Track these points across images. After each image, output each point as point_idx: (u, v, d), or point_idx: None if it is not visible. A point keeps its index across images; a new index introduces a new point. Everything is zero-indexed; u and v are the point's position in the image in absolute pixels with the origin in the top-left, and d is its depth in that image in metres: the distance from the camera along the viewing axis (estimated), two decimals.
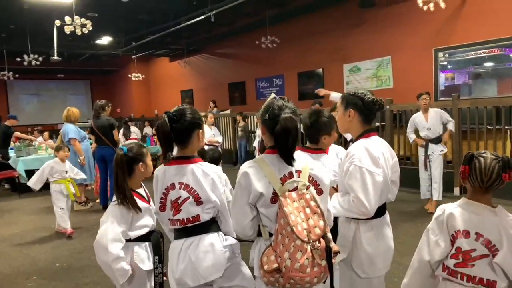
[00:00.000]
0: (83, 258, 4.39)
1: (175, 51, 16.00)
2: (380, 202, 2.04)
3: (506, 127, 6.09)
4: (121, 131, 11.50)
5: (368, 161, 1.95)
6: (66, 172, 5.32)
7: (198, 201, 1.91)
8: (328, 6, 10.45)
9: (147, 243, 2.23)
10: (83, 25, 8.14)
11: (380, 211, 2.06)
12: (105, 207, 5.96)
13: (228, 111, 12.04)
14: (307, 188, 1.72)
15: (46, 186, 8.71)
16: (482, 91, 7.98)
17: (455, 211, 1.69)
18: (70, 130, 6.40)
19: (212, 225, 1.97)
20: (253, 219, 1.75)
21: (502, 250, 1.58)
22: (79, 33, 8.17)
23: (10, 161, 8.30)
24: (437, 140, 5.72)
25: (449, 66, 8.61)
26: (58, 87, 19.39)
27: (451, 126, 5.88)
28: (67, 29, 8.02)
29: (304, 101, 10.81)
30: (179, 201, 1.92)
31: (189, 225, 1.94)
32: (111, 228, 2.11)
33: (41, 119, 17.62)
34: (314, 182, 1.77)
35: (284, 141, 1.68)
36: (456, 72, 8.47)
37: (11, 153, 8.72)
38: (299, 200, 1.68)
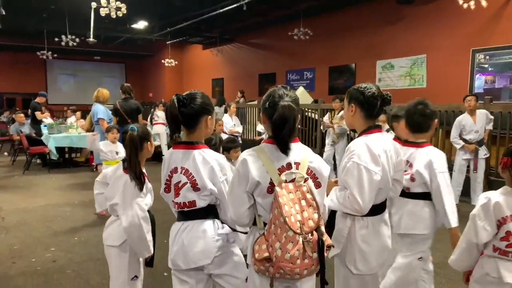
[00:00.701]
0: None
1: (209, 39, 16.08)
2: (379, 200, 2.02)
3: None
4: (150, 115, 11.73)
5: (367, 158, 1.92)
6: (117, 153, 5.21)
7: (195, 187, 1.91)
8: (365, 1, 10.22)
9: None
10: (118, 8, 8.30)
11: (378, 209, 2.03)
12: None
13: (255, 102, 12.04)
14: (305, 180, 1.71)
15: (74, 164, 9.12)
16: None
17: (500, 198, 1.89)
18: (99, 110, 6.55)
19: (208, 212, 1.97)
20: (250, 208, 1.76)
21: None
22: (114, 16, 8.34)
23: (42, 138, 8.64)
24: (482, 143, 5.56)
25: (489, 69, 8.26)
26: (94, 69, 19.92)
27: (490, 125, 5.69)
28: (102, 12, 8.20)
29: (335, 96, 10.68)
30: (179, 185, 1.94)
31: (186, 209, 1.96)
32: (137, 205, 2.24)
33: (77, 99, 18.21)
34: (312, 175, 1.75)
35: (280, 129, 1.66)
36: (497, 75, 8.12)
37: (44, 130, 9.06)
38: (295, 192, 1.66)
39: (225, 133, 6.73)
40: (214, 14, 10.95)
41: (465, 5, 6.69)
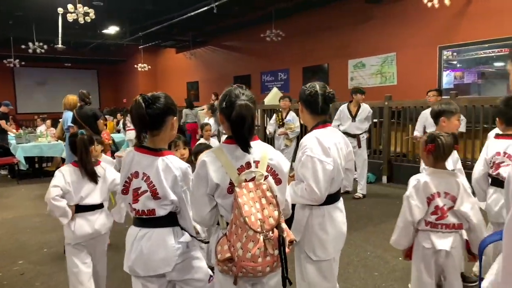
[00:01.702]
0: None
1: (182, 42, 16.00)
2: (333, 189, 2.15)
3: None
4: (122, 121, 11.56)
5: (319, 151, 2.05)
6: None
7: (155, 196, 1.86)
8: (335, 1, 10.34)
9: None
10: (86, 14, 8.15)
11: (332, 198, 2.17)
12: None
13: None
14: (265, 178, 1.71)
15: (44, 174, 8.89)
16: (490, 91, 7.83)
17: (427, 178, 2.24)
18: (69, 117, 6.42)
19: (168, 220, 1.92)
20: (212, 209, 1.75)
21: (459, 200, 2.21)
22: (82, 22, 8.18)
23: (10, 148, 8.39)
24: None
25: (458, 65, 8.47)
26: (65, 76, 19.46)
27: (462, 127, 5.80)
28: (70, 17, 8.04)
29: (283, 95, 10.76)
30: (139, 192, 1.89)
31: (144, 216, 1.91)
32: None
33: (48, 108, 17.75)
34: (272, 172, 1.76)
35: (240, 128, 1.66)
36: (465, 71, 8.33)
37: (11, 140, 8.81)
38: (255, 190, 1.67)
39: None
40: (186, 17, 10.90)
41: (429, 4, 6.84)
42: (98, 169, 2.75)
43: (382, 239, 4.23)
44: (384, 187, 6.93)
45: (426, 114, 5.87)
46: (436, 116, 3.10)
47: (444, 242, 2.23)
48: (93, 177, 2.67)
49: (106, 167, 2.82)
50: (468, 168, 3.66)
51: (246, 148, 1.70)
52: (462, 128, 5.81)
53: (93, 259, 2.79)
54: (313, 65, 11.60)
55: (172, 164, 1.88)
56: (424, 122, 5.85)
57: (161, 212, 1.89)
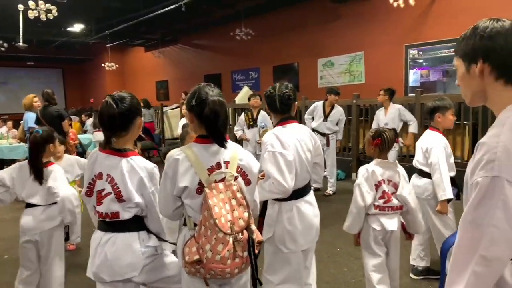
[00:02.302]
0: None
1: (150, 41, 15.72)
2: (300, 183, 2.27)
3: (465, 122, 6.18)
4: (91, 120, 11.27)
5: (278, 145, 2.18)
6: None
7: (119, 199, 1.82)
8: (303, 1, 10.41)
9: None
10: (48, 11, 7.87)
11: (299, 193, 2.28)
12: None
13: None
14: (235, 178, 1.69)
15: None
16: (455, 89, 8.06)
17: (374, 168, 2.55)
18: (29, 118, 6.18)
19: (133, 224, 1.87)
20: (178, 208, 1.75)
21: (400, 186, 2.52)
22: (44, 19, 7.91)
23: None
24: None
25: (424, 63, 8.69)
26: (29, 75, 18.77)
27: (412, 128, 5.91)
28: (31, 14, 7.75)
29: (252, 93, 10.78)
30: (103, 193, 1.84)
31: (107, 220, 1.86)
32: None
33: (10, 108, 17.04)
34: (242, 172, 1.74)
35: (214, 124, 1.65)
36: (431, 69, 8.56)
37: None
38: (225, 192, 1.65)
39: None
40: (154, 15, 10.71)
41: (395, 4, 6.99)
42: (47, 170, 2.71)
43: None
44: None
45: (378, 115, 6.06)
46: (431, 112, 3.16)
47: (392, 223, 2.55)
48: (38, 177, 2.65)
49: (57, 171, 2.74)
50: None
51: (222, 143, 1.68)
52: (413, 129, 5.96)
53: (44, 260, 2.79)
54: (284, 64, 11.64)
55: (137, 164, 1.84)
56: (378, 121, 6.02)
57: (125, 215, 1.83)
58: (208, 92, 1.69)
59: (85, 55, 18.23)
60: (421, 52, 8.65)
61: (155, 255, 1.90)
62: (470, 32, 1.15)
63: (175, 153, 1.69)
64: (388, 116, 5.93)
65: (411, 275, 3.35)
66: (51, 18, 7.90)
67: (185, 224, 1.76)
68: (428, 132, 3.20)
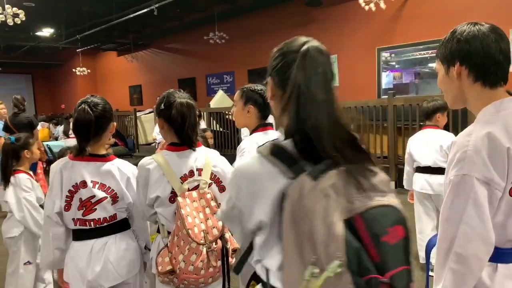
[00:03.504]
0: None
1: (123, 45, 15.46)
2: None
3: None
4: (62, 128, 10.99)
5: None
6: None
7: (115, 200, 1.81)
8: (276, 4, 10.45)
9: None
10: (15, 15, 7.62)
11: None
12: None
13: None
14: (209, 185, 1.66)
15: None
16: (426, 90, 8.25)
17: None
18: None
19: (124, 223, 1.89)
20: (154, 215, 1.73)
21: None
22: (11, 23, 7.65)
23: None
24: None
25: (396, 66, 8.85)
26: None
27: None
28: None
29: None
30: (93, 200, 1.77)
31: (105, 224, 1.81)
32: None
33: None
34: (216, 179, 1.71)
35: (182, 127, 1.62)
36: (403, 71, 8.72)
37: None
38: (199, 200, 1.61)
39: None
40: (125, 19, 10.54)
41: (367, 7, 7.10)
42: (14, 177, 2.81)
43: None
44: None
45: None
46: (433, 112, 3.26)
47: None
48: (6, 182, 2.77)
49: (19, 181, 2.80)
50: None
51: (191, 146, 1.66)
52: None
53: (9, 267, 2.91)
54: (258, 67, 11.62)
55: (122, 167, 1.85)
56: None
57: (122, 215, 1.85)
58: (176, 96, 1.67)
59: (55, 60, 17.80)
60: (393, 55, 8.81)
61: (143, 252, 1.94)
62: (449, 36, 1.18)
63: (146, 162, 1.65)
64: None
65: (431, 273, 3.37)
66: (19, 22, 7.66)
67: (158, 231, 1.73)
68: (434, 131, 3.24)
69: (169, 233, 1.64)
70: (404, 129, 6.51)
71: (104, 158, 1.84)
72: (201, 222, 1.56)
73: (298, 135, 0.90)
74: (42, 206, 2.70)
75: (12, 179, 2.79)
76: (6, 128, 5.77)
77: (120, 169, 1.86)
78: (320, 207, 0.78)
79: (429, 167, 3.22)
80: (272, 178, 0.87)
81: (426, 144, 3.25)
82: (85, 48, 15.10)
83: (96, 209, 1.79)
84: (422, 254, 3.32)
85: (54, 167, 1.83)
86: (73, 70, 15.57)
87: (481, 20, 1.19)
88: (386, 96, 7.13)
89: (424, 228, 3.32)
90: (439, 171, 3.09)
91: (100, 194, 1.78)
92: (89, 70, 15.58)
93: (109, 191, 1.80)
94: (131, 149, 10.68)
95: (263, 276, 0.90)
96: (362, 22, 8.85)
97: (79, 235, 1.83)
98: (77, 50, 15.48)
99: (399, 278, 0.77)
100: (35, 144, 2.94)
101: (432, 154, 3.20)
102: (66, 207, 1.80)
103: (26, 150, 2.83)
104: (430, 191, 3.19)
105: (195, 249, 1.51)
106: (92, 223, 1.80)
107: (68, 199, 1.79)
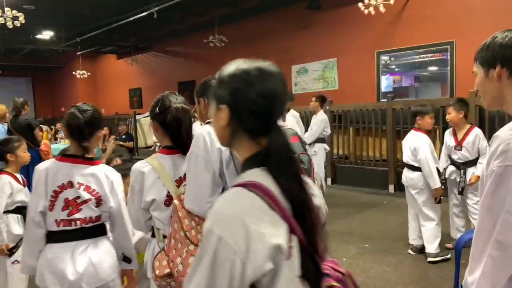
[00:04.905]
0: None
1: (123, 48, 15.50)
2: None
3: (435, 126, 6.34)
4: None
5: None
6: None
7: (99, 203, 1.84)
8: (278, 7, 10.48)
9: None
10: (15, 18, 7.64)
11: None
12: None
13: None
14: None
15: None
16: (425, 94, 8.26)
17: None
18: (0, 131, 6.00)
19: (105, 229, 1.92)
20: (148, 220, 1.73)
21: None
22: (11, 26, 7.67)
23: None
24: (314, 142, 6.06)
25: (396, 69, 8.87)
26: None
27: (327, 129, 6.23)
28: None
29: None
30: (78, 201, 1.80)
31: (90, 225, 1.83)
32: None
33: None
34: None
35: (177, 131, 1.63)
36: (403, 75, 8.74)
37: None
38: None
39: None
40: (125, 22, 10.57)
41: (366, 11, 7.12)
42: None
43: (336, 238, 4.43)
44: (329, 189, 7.08)
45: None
46: (413, 115, 3.95)
47: None
48: None
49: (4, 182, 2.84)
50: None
51: (184, 152, 1.65)
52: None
53: None
54: None
55: (107, 173, 1.89)
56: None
57: (104, 218, 1.88)
58: (172, 100, 1.69)
59: (55, 63, 17.82)
60: (392, 58, 8.83)
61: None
62: (489, 41, 1.25)
63: (140, 166, 1.67)
64: (312, 122, 6.18)
65: (411, 251, 4.00)
66: (18, 25, 7.68)
67: (153, 236, 1.72)
68: (413, 133, 3.90)
69: (164, 237, 1.64)
70: (403, 132, 6.51)
71: (91, 161, 1.89)
72: (198, 224, 1.55)
73: None
74: (25, 208, 2.68)
75: None
76: (9, 132, 5.88)
77: (105, 173, 1.90)
78: None
79: (406, 163, 3.95)
80: None
81: (405, 145, 3.98)
82: (85, 51, 15.14)
83: (81, 209, 1.83)
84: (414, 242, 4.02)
85: (39, 167, 1.85)
86: (73, 73, 15.61)
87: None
88: (385, 100, 7.14)
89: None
90: (410, 167, 3.86)
91: (85, 195, 1.81)
92: (89, 73, 15.61)
93: (93, 193, 1.83)
94: (131, 152, 10.67)
95: None
96: (361, 25, 8.87)
97: (61, 237, 1.82)
98: (77, 53, 15.51)
99: None
100: (21, 147, 2.97)
101: (406, 153, 3.92)
102: (50, 207, 1.81)
103: (9, 154, 2.89)
104: (405, 182, 3.94)
105: (193, 251, 1.49)
106: (78, 222, 1.81)
107: (53, 199, 1.80)
